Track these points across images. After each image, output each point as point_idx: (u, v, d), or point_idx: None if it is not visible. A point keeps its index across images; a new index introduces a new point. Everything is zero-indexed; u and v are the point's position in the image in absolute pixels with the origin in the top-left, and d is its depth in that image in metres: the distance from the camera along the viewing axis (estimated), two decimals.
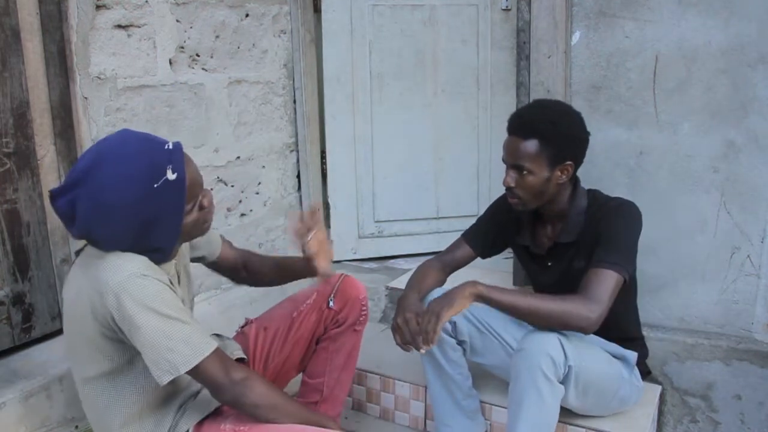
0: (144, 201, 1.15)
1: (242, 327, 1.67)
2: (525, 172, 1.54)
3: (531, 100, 1.98)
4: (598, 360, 1.55)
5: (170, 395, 1.33)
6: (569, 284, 1.60)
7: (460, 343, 1.71)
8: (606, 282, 1.47)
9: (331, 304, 1.64)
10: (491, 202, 1.85)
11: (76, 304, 1.22)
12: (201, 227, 1.30)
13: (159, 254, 1.24)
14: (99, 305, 1.17)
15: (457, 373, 1.70)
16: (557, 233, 1.65)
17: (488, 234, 1.79)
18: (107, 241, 1.18)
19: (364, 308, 1.69)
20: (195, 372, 1.20)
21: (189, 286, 1.48)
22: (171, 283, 1.25)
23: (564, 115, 1.60)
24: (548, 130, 1.54)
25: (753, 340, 1.81)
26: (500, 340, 1.68)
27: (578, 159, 1.60)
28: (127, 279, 1.15)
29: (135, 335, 1.16)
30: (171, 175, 1.16)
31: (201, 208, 1.27)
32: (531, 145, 1.53)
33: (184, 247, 1.46)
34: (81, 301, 1.20)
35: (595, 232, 1.57)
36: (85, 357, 1.27)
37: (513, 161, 1.56)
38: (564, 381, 1.46)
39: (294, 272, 1.62)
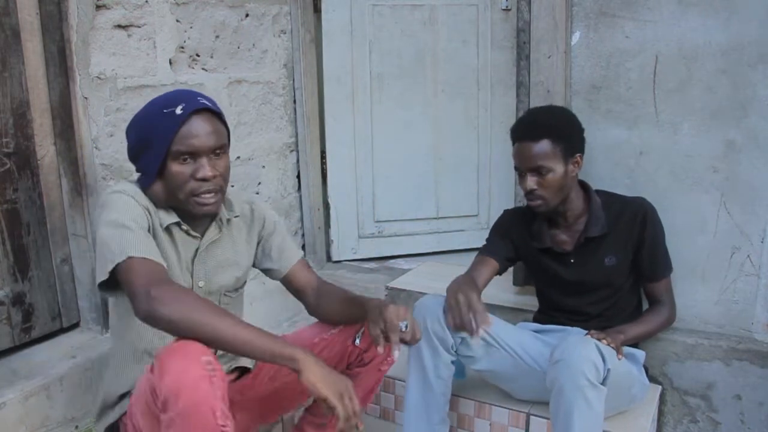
0: (150, 119, 1.30)
1: None
2: (544, 172, 1.64)
3: (530, 101, 1.99)
4: (621, 361, 1.58)
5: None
6: (594, 280, 1.74)
7: (465, 357, 1.69)
8: (670, 286, 1.80)
9: (357, 341, 1.50)
10: (494, 222, 1.90)
11: None
12: (190, 195, 1.32)
13: (143, 176, 1.34)
14: None
15: (441, 394, 1.67)
16: (581, 230, 1.73)
17: (505, 247, 1.83)
18: (127, 148, 1.36)
19: (395, 350, 1.53)
20: (120, 273, 1.20)
21: (212, 269, 1.44)
22: (150, 212, 1.31)
23: (563, 113, 1.73)
24: (556, 128, 1.65)
25: (753, 340, 1.81)
26: (513, 353, 1.68)
27: (583, 151, 1.71)
28: (110, 193, 1.30)
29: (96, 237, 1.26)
30: (178, 110, 1.27)
31: (194, 174, 1.30)
32: (545, 145, 1.63)
33: (243, 243, 1.50)
34: None
35: (631, 233, 1.70)
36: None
37: (531, 165, 1.64)
38: (603, 383, 1.46)
39: (359, 315, 1.46)
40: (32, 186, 1.71)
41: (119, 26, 1.82)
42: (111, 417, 1.39)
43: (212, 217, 1.42)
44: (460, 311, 1.54)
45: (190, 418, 1.05)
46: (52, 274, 1.78)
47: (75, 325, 1.86)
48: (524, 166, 1.66)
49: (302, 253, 1.62)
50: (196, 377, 1.06)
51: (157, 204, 1.35)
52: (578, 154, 1.68)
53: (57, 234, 1.78)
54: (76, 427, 1.66)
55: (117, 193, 1.29)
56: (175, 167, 1.29)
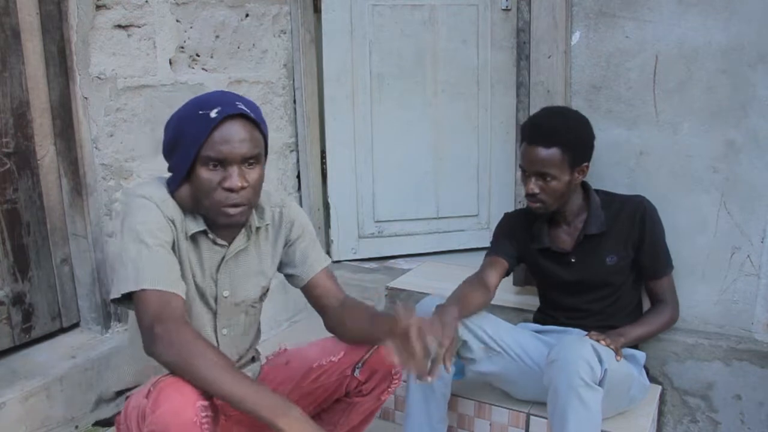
0: (184, 119, 1.25)
1: (275, 354, 1.59)
2: (549, 179, 1.64)
3: (530, 101, 1.99)
4: (620, 362, 1.58)
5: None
6: (595, 279, 1.74)
7: (466, 359, 1.69)
8: (672, 284, 1.80)
9: (356, 372, 1.43)
10: (496, 226, 1.90)
11: None
12: (216, 204, 1.26)
13: (173, 175, 1.29)
14: None
15: (441, 394, 1.67)
16: (581, 228, 1.74)
17: (511, 246, 1.83)
18: (163, 147, 1.31)
19: (396, 381, 1.47)
20: (133, 298, 1.19)
21: (240, 278, 1.40)
22: (175, 224, 1.26)
23: (578, 121, 1.71)
24: (568, 137, 1.64)
25: (753, 340, 1.81)
26: (514, 354, 1.68)
27: (591, 159, 1.71)
28: (134, 194, 1.27)
29: (114, 242, 1.24)
30: (213, 113, 1.22)
31: (221, 183, 1.23)
32: (554, 153, 1.62)
33: (269, 250, 1.44)
34: None
35: (631, 231, 1.71)
36: None
37: (537, 169, 1.64)
38: (600, 384, 1.46)
39: (380, 334, 1.32)
40: (32, 186, 1.71)
41: (119, 26, 1.82)
42: (106, 412, 1.39)
43: (241, 225, 1.36)
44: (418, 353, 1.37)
45: None
46: (52, 274, 1.78)
47: (75, 325, 1.86)
48: (530, 169, 1.66)
49: (329, 261, 1.53)
50: (187, 421, 1.05)
51: (185, 209, 1.30)
52: (585, 164, 1.69)
53: (57, 234, 1.78)
54: (76, 427, 1.66)
55: (143, 199, 1.25)
56: (204, 173, 1.24)
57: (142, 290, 1.17)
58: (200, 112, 1.23)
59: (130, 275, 1.18)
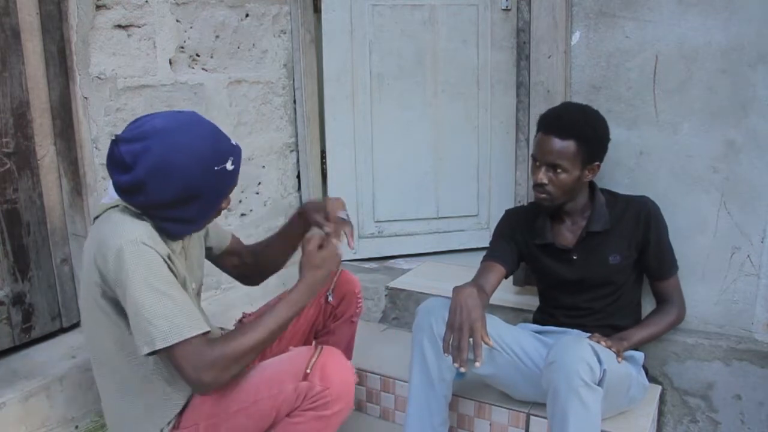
0: (201, 176, 1.24)
1: (240, 320, 1.72)
2: (559, 171, 1.64)
3: (530, 101, 1.99)
4: (617, 361, 1.58)
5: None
6: (597, 277, 1.74)
7: (468, 361, 1.67)
8: (678, 284, 1.81)
9: (330, 298, 1.71)
10: (496, 225, 1.90)
11: (86, 269, 1.27)
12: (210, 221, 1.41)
13: (182, 226, 1.30)
14: (102, 266, 1.21)
15: (443, 395, 1.66)
16: (584, 225, 1.74)
17: (510, 249, 1.82)
18: (153, 197, 1.22)
19: (359, 301, 1.79)
20: (170, 352, 1.18)
21: (194, 269, 1.48)
22: (170, 258, 1.26)
23: (598, 119, 1.71)
24: (587, 132, 1.64)
25: (753, 340, 1.81)
26: (513, 355, 1.67)
27: (603, 159, 1.71)
28: (127, 243, 1.19)
29: (125, 300, 1.20)
30: (230, 166, 1.28)
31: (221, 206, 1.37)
32: (569, 146, 1.62)
33: (196, 234, 1.51)
34: (89, 265, 1.25)
35: (635, 231, 1.71)
36: (95, 326, 1.30)
37: (550, 160, 1.64)
38: (599, 384, 1.45)
39: (293, 234, 1.66)
40: (32, 186, 1.71)
41: (119, 26, 1.82)
42: None
43: None
44: (460, 339, 1.46)
45: (339, 417, 1.32)
46: (52, 274, 1.78)
47: (75, 325, 1.86)
48: (542, 159, 1.66)
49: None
50: (352, 383, 1.33)
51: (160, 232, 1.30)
52: (597, 162, 1.69)
53: (57, 234, 1.78)
54: (76, 427, 1.66)
55: (138, 245, 1.20)
56: None
57: (173, 345, 1.18)
58: (216, 168, 1.26)
59: (164, 329, 1.17)
